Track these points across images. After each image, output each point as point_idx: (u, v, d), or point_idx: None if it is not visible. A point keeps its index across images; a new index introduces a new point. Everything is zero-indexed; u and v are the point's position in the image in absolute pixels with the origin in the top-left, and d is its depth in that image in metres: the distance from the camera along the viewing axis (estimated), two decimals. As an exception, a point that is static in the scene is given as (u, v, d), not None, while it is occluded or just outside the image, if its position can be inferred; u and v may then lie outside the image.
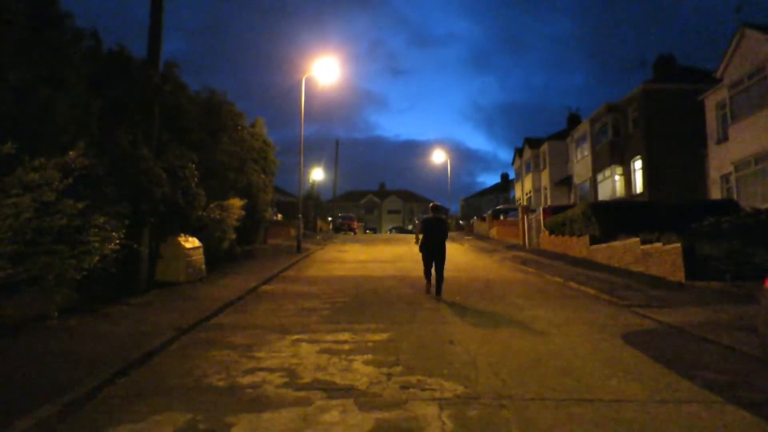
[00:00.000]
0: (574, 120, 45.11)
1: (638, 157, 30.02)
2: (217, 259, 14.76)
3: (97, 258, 7.94)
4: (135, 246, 9.63)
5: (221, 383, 5.26)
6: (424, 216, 11.91)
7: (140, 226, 10.52)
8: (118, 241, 8.47)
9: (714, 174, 24.67)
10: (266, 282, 13.16)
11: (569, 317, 8.84)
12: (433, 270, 11.17)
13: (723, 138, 23.75)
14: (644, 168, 29.36)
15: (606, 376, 5.52)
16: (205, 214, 13.37)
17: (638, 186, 30.19)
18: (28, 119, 7.89)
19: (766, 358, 4.57)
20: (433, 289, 11.14)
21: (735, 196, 21.21)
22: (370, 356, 6.24)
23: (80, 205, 7.47)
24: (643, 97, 29.60)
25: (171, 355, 6.37)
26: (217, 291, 11.02)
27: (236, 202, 15.22)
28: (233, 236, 15.37)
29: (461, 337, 7.27)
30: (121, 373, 5.46)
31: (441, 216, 11.61)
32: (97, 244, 7.92)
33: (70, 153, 7.76)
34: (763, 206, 17.39)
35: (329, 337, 7.24)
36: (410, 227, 69.23)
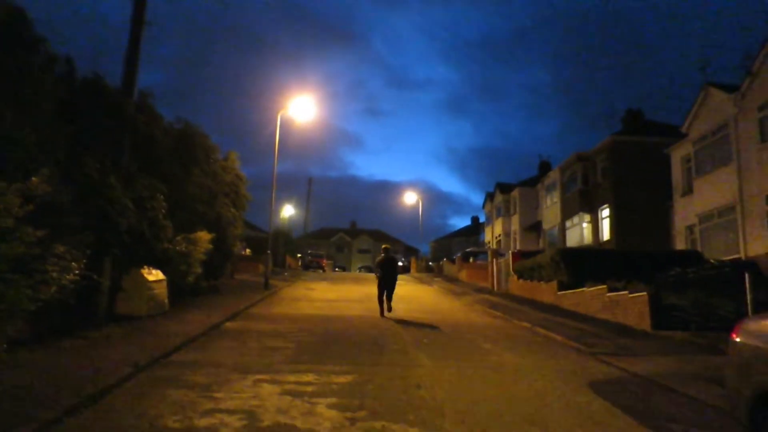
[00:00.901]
0: (545, 167, 46.07)
1: (606, 205, 30.69)
2: (182, 293, 14.41)
3: (54, 288, 7.65)
4: (95, 277, 9.33)
5: (177, 425, 5.03)
6: (381, 256, 15.40)
7: (102, 257, 10.23)
8: (77, 272, 8.18)
9: (679, 224, 25.29)
10: (231, 318, 12.86)
11: (537, 363, 8.80)
12: (384, 297, 14.80)
13: (688, 190, 24.45)
14: (612, 216, 30.00)
15: (574, 426, 5.45)
16: (171, 246, 13.09)
17: (605, 234, 30.76)
18: (-8, 142, 7.68)
19: (732, 411, 4.58)
20: (386, 310, 14.65)
21: (699, 247, 21.72)
22: (334, 399, 6.07)
23: (39, 233, 7.22)
24: (611, 148, 30.48)
25: (126, 394, 6.10)
26: (179, 326, 10.71)
27: (204, 236, 14.97)
28: (199, 270, 15.08)
29: (428, 381, 7.15)
30: (70, 412, 5.18)
31: (393, 256, 15.30)
32: (55, 274, 7.63)
33: (33, 179, 7.54)
34: (726, 257, 17.83)
35: (292, 378, 7.05)
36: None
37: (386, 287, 14.87)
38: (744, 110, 19.92)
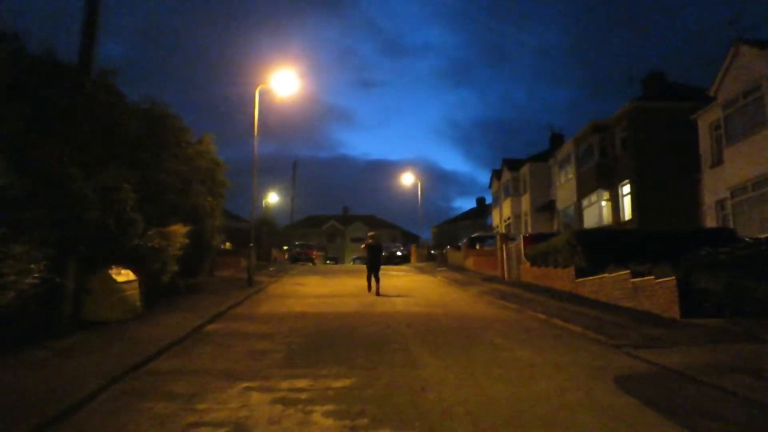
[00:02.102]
0: (557, 140, 46.07)
1: (626, 180, 30.73)
2: (156, 294, 14.39)
3: (12, 294, 7.62)
4: (58, 280, 9.29)
5: (156, 441, 5.03)
6: (367, 242, 19.87)
7: (65, 257, 10.19)
8: (37, 275, 8.15)
9: (708, 200, 25.37)
10: (213, 320, 12.86)
11: (555, 358, 8.83)
12: (373, 279, 19.13)
13: (717, 161, 24.49)
14: (633, 193, 30.05)
15: (599, 427, 5.48)
16: (142, 242, 13.05)
17: (626, 212, 30.85)
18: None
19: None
20: (374, 292, 18.73)
21: (731, 224, 21.82)
22: (330, 406, 6.09)
23: (-7, 232, 7.18)
24: (631, 116, 30.42)
25: (98, 409, 6.09)
26: (155, 331, 10.70)
27: (179, 229, 14.91)
28: (175, 268, 15.05)
29: (435, 382, 7.18)
30: None
31: (378, 242, 20.30)
32: (12, 278, 7.60)
33: (-18, 171, 7.48)
34: (762, 235, 17.90)
35: (284, 384, 7.06)
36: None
37: (373, 270, 19.35)
38: (779, 69, 19.89)
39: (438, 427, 5.41)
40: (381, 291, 18.93)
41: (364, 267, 21.43)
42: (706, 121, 25.27)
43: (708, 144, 25.37)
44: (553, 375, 7.71)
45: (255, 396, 6.54)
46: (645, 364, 8.51)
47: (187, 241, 15.29)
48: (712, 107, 24.34)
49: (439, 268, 36.04)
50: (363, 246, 19.97)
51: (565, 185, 38.46)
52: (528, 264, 23.28)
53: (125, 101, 14.25)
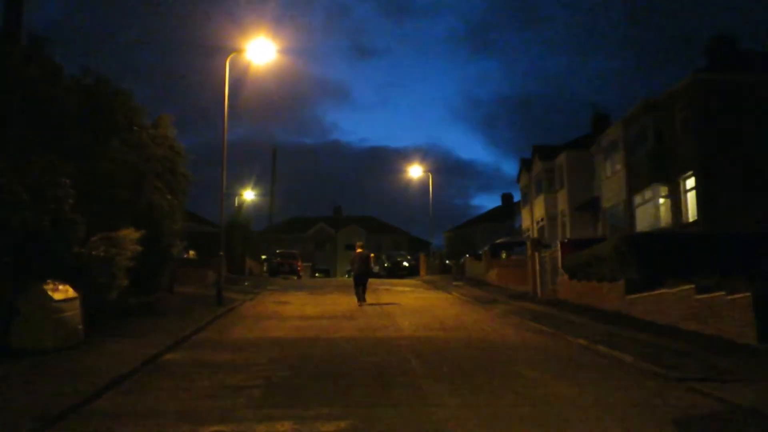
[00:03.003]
0: (601, 122, 45.96)
1: (689, 172, 30.63)
2: (102, 315, 14.39)
3: None
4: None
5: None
6: (355, 252, 23.91)
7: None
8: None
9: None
10: (173, 348, 12.85)
11: (600, 396, 8.81)
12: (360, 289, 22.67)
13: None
14: (698, 187, 29.96)
15: (656, 481, 5.47)
16: (84, 250, 13.05)
17: (690, 211, 30.77)
18: None
19: None
20: (363, 301, 22.16)
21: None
22: (320, 457, 6.08)
23: None
24: (693, 92, 30.31)
25: (29, 459, 6.08)
26: (101, 361, 10.69)
27: (130, 234, 14.91)
28: (125, 282, 15.03)
29: (450, 425, 7.16)
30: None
31: (366, 252, 24.07)
32: None
33: None
34: None
35: (261, 429, 7.07)
36: (376, 268, 69.06)
37: (362, 280, 22.91)
38: None
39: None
40: (383, 308, 20.49)
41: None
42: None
43: (791, 126, 25.30)
44: (598, 416, 7.68)
45: (225, 443, 6.54)
46: (712, 402, 8.48)
47: (140, 248, 15.28)
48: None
49: (455, 282, 36.05)
50: (351, 258, 24.66)
51: (611, 178, 38.43)
52: (566, 277, 23.26)
53: (63, 75, 14.26)
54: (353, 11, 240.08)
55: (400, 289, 31.02)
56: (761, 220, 26.56)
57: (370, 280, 24.13)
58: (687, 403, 8.49)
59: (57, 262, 12.12)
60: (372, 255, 28.62)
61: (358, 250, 23.80)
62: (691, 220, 30.48)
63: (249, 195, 60.71)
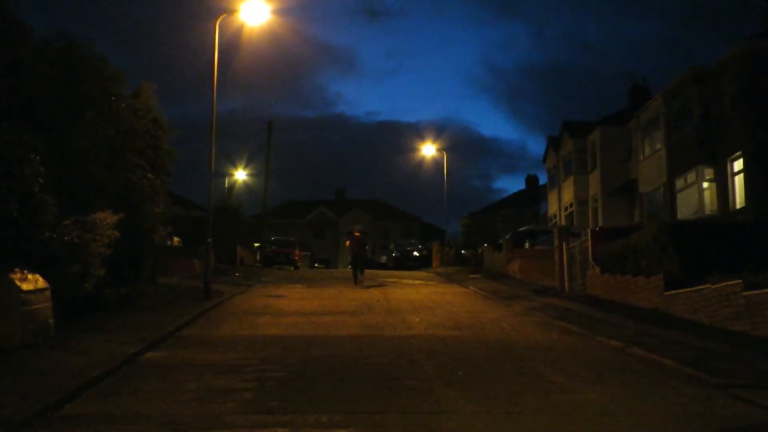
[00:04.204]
0: (640, 94, 45.65)
1: (738, 153, 30.48)
2: (75, 308, 14.43)
3: None
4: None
5: None
6: (351, 234, 29.63)
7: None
8: None
9: None
10: (154, 346, 12.90)
11: (633, 403, 8.79)
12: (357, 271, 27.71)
13: None
14: (748, 170, 29.81)
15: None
16: (56, 235, 13.07)
17: (738, 197, 30.65)
18: None
19: None
20: (360, 283, 26.74)
21: None
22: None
23: None
24: (746, 61, 30.09)
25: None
26: (75, 360, 10.74)
27: (107, 218, 14.93)
28: (101, 271, 15.05)
29: (466, 436, 7.18)
30: None
31: (363, 236, 29.62)
32: None
33: None
34: None
35: (254, 437, 7.08)
36: (383, 259, 69.10)
37: (358, 263, 28.20)
38: None
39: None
40: (391, 304, 21.08)
41: (367, 273, 25.43)
42: None
43: None
44: (632, 427, 7.68)
45: (213, 452, 6.57)
46: (761, 412, 8.46)
47: (118, 234, 15.29)
48: None
49: (472, 275, 36.01)
50: (347, 242, 30.94)
51: (651, 159, 38.26)
52: (598, 270, 23.20)
53: (31, 37, 14.22)
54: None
55: (410, 282, 31.05)
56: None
57: (378, 273, 28.61)
58: (733, 412, 8.46)
59: (25, 249, 12.12)
60: (366, 245, 32.56)
61: (356, 234, 29.61)
62: (738, 207, 30.34)
63: (241, 175, 60.89)
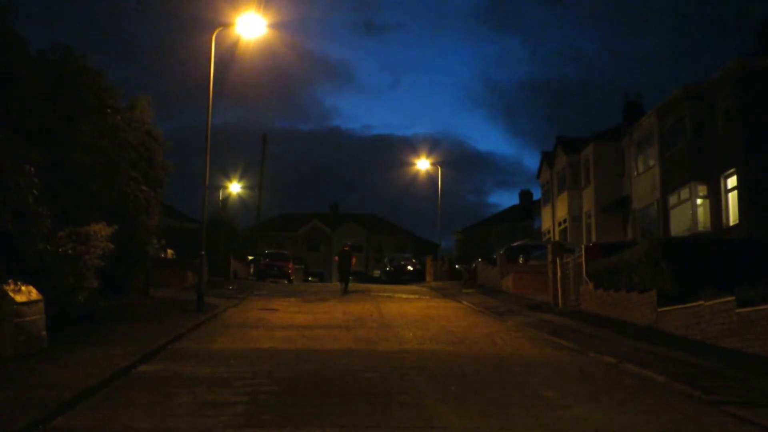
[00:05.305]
0: (634, 111, 45.58)
1: (732, 170, 30.56)
2: (68, 320, 14.42)
3: None
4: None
5: None
6: (341, 249, 33.99)
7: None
8: None
9: None
10: (147, 358, 12.87)
11: (626, 420, 8.82)
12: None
13: None
14: (741, 187, 29.89)
15: None
16: (50, 247, 13.05)
17: (732, 214, 30.72)
18: None
19: None
20: (344, 289, 30.83)
21: None
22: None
23: None
24: (740, 78, 30.21)
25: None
26: (66, 372, 10.71)
27: (101, 230, 14.93)
28: (95, 283, 15.04)
29: (459, 451, 7.18)
30: None
31: (351, 250, 34.12)
32: None
33: None
34: None
35: (247, 451, 7.09)
36: (377, 272, 68.87)
37: (344, 275, 31.99)
38: None
39: None
40: (384, 318, 21.28)
41: (361, 287, 25.49)
42: None
43: None
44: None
45: (205, 466, 6.57)
46: (754, 429, 8.49)
47: (112, 246, 15.30)
48: None
49: (466, 290, 36.03)
50: (336, 256, 34.91)
51: (644, 175, 38.37)
52: (591, 285, 23.23)
53: (26, 49, 14.24)
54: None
55: (404, 296, 31.01)
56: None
57: (371, 287, 28.86)
58: (725, 430, 8.49)
59: (19, 260, 12.11)
60: (354, 258, 35.83)
61: (345, 248, 34.15)
62: (732, 224, 30.41)
63: (235, 188, 60.79)
